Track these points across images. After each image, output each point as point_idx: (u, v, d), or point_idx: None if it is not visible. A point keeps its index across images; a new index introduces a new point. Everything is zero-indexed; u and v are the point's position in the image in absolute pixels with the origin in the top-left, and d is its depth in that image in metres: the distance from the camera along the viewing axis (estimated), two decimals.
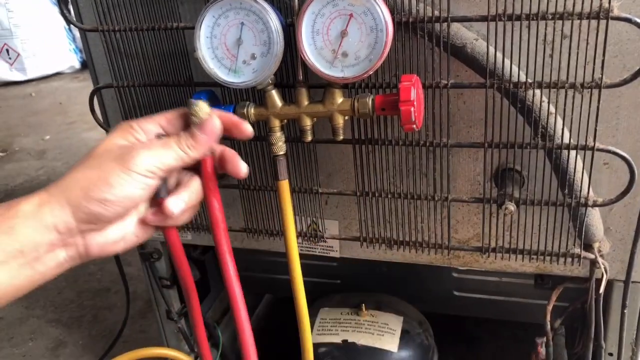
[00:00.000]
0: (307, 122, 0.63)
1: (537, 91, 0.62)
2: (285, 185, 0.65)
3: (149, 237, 0.55)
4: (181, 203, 0.54)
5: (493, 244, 0.73)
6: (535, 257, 0.71)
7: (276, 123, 0.63)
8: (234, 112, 0.63)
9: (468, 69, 0.65)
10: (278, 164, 0.64)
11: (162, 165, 0.50)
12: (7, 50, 3.73)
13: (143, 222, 0.54)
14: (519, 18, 0.58)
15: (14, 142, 2.95)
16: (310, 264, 0.93)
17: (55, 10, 3.82)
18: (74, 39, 3.90)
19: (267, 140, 0.64)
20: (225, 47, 0.60)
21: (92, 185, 0.48)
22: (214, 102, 0.65)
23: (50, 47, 3.80)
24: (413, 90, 0.55)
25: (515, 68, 0.62)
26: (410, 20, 0.61)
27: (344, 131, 0.63)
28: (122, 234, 0.52)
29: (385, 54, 0.56)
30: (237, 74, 0.60)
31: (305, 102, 0.62)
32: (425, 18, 0.61)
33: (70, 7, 0.75)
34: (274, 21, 0.57)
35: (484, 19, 0.59)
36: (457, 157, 0.71)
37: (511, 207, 0.67)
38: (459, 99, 0.68)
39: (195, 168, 0.56)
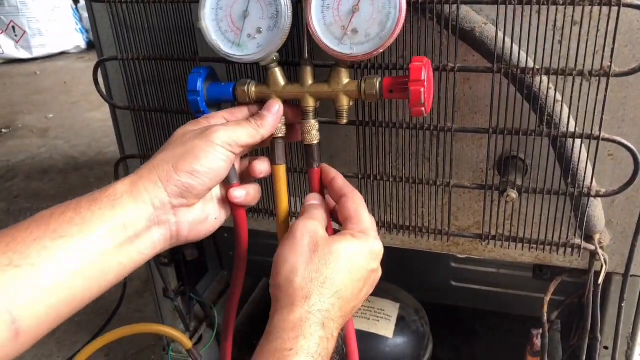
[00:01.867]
0: (310, 103, 0.60)
1: (545, 78, 0.61)
2: (281, 171, 0.63)
3: (225, 219, 0.62)
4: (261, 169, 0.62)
5: (493, 232, 0.72)
6: (535, 246, 0.71)
7: (279, 101, 0.61)
8: (234, 89, 0.62)
9: (475, 54, 0.64)
10: (275, 147, 0.62)
11: (238, 139, 0.56)
12: (14, 28, 3.72)
13: (220, 202, 0.61)
14: (529, 2, 0.58)
15: (17, 119, 2.95)
16: None
17: None
18: (80, 19, 3.88)
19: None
20: (230, 19, 0.59)
21: (181, 159, 0.53)
22: (213, 79, 0.64)
23: (57, 26, 3.79)
24: (424, 71, 0.54)
25: (523, 54, 0.61)
26: (420, 0, 0.60)
27: (349, 114, 0.61)
28: (205, 214, 0.58)
29: (397, 32, 0.55)
30: (241, 48, 0.59)
31: (310, 82, 0.60)
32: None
33: None
34: None
35: (494, 1, 0.59)
36: (461, 143, 0.70)
37: (513, 194, 0.67)
38: (465, 84, 0.67)
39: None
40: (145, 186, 0.52)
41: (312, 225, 0.56)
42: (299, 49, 0.66)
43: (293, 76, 0.65)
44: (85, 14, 3.04)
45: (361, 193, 0.73)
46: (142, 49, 0.74)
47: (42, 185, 2.28)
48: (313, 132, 0.61)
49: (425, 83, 0.54)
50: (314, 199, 0.62)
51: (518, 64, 0.61)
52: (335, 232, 0.59)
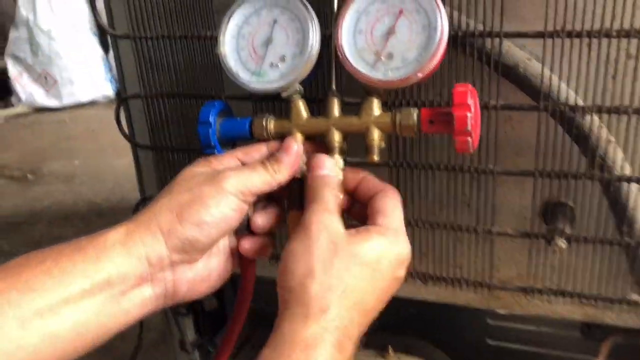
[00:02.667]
0: (336, 138, 0.54)
1: (595, 117, 0.57)
2: (299, 219, 0.53)
3: (228, 276, 0.55)
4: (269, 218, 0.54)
5: (539, 285, 0.66)
6: (585, 301, 0.64)
7: (299, 138, 0.56)
8: (251, 124, 0.57)
9: (517, 93, 0.60)
10: (292, 190, 0.55)
11: (252, 186, 0.50)
12: (46, 77, 3.81)
13: (227, 255, 0.53)
14: (579, 35, 0.54)
15: (44, 165, 2.98)
16: None
17: (95, 40, 3.91)
18: (110, 69, 3.97)
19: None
20: (252, 47, 0.55)
21: (186, 207, 0.47)
22: (228, 115, 0.61)
23: (87, 75, 3.88)
24: (469, 95, 0.49)
25: (571, 91, 0.57)
26: (459, 34, 0.57)
27: (380, 151, 0.56)
28: (208, 270, 0.51)
29: (439, 55, 0.50)
30: (262, 77, 0.55)
31: (336, 114, 0.55)
32: (475, 32, 0.56)
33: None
34: (313, 20, 0.53)
35: (540, 35, 0.55)
36: (502, 188, 0.65)
37: (562, 244, 0.61)
38: (507, 123, 0.63)
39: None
40: (142, 237, 0.46)
41: (328, 219, 0.47)
42: (323, 85, 0.62)
43: (317, 113, 0.61)
44: (114, 63, 3.10)
45: None
46: (166, 87, 0.72)
47: (64, 231, 2.26)
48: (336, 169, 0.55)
49: (472, 108, 0.49)
50: (324, 167, 0.52)
51: (567, 102, 0.57)
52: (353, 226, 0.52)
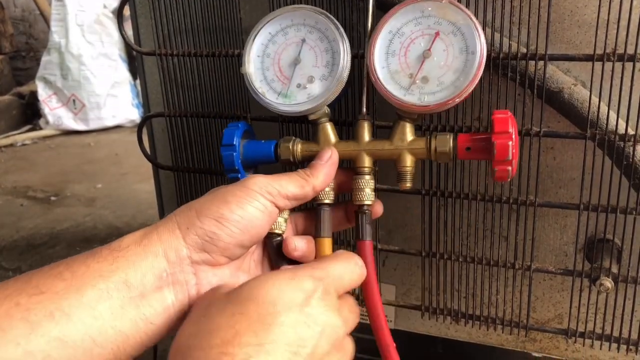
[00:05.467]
0: (367, 163, 0.51)
1: None
2: (326, 245, 0.50)
3: None
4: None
5: (581, 328, 0.61)
6: (633, 348, 0.59)
7: (334, 149, 0.52)
8: (277, 147, 0.54)
9: (560, 120, 0.56)
10: (320, 215, 0.51)
11: (281, 187, 0.46)
12: (74, 101, 3.86)
13: (262, 268, 0.50)
14: (631, 59, 0.50)
15: (66, 187, 2.98)
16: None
17: (124, 66, 3.97)
18: (137, 95, 4.02)
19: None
20: (278, 67, 0.53)
21: (207, 204, 0.44)
22: (251, 137, 0.58)
23: (115, 100, 3.92)
24: (510, 123, 0.46)
25: (621, 120, 0.53)
26: (501, 56, 0.54)
27: (413, 178, 0.52)
28: (237, 280, 0.46)
29: (477, 80, 0.47)
30: (288, 98, 0.52)
31: (367, 139, 0.52)
32: (518, 55, 0.53)
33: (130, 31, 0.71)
34: (344, 40, 0.51)
35: (589, 58, 0.51)
36: (542, 222, 0.61)
37: (608, 283, 0.56)
38: (548, 153, 0.59)
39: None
40: (159, 235, 0.42)
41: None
42: (352, 106, 0.59)
43: (346, 136, 0.58)
44: (140, 88, 3.14)
45: (424, 274, 0.65)
46: (191, 106, 0.69)
47: None
48: (366, 190, 0.51)
49: (513, 136, 0.45)
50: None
51: (616, 131, 0.53)
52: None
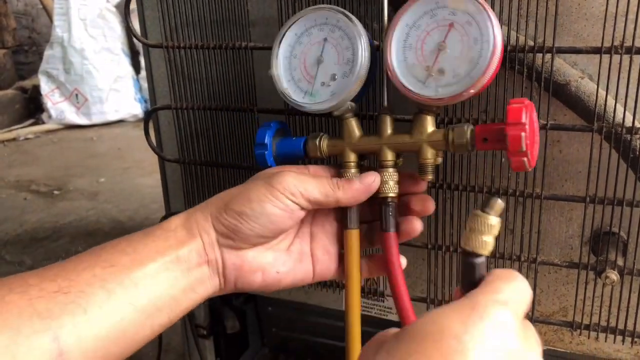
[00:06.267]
0: (389, 157, 0.52)
1: None
2: (354, 237, 0.53)
3: (294, 281, 0.53)
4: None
5: (586, 321, 0.61)
6: (638, 340, 0.59)
7: (352, 157, 0.54)
8: (305, 143, 0.55)
9: (567, 113, 0.57)
10: (349, 209, 0.53)
11: (305, 191, 0.49)
12: (77, 95, 3.86)
13: (298, 259, 0.53)
14: (639, 51, 0.50)
15: (69, 182, 2.99)
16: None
17: (127, 61, 3.96)
18: (140, 89, 4.02)
19: (339, 175, 0.54)
20: (304, 67, 0.53)
21: (234, 198, 0.49)
22: (284, 135, 0.58)
23: (118, 95, 3.92)
24: (525, 113, 0.45)
25: (628, 113, 0.53)
26: (509, 49, 0.54)
27: (434, 170, 0.52)
28: (260, 264, 0.51)
29: (492, 70, 0.47)
30: (314, 97, 0.53)
31: (389, 132, 0.53)
32: (526, 48, 0.53)
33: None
34: (362, 37, 0.51)
35: (596, 51, 0.51)
36: (547, 215, 0.61)
37: (614, 276, 0.56)
38: (555, 146, 0.59)
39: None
40: (197, 220, 0.49)
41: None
42: (375, 101, 0.60)
43: (370, 130, 0.58)
44: (145, 85, 3.14)
45: (429, 267, 0.65)
46: (197, 99, 0.69)
47: (86, 248, 2.24)
48: (390, 182, 0.52)
49: (527, 127, 0.45)
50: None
51: (622, 124, 0.53)
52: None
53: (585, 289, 0.60)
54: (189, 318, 0.89)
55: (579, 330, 0.61)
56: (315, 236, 0.55)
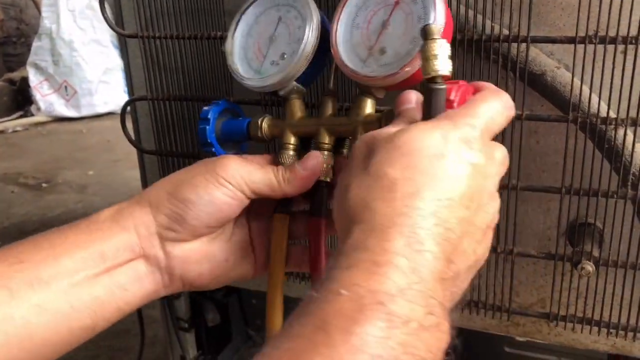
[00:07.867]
0: (326, 139, 0.50)
1: (629, 131, 0.52)
2: (283, 220, 0.51)
3: (240, 273, 0.51)
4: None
5: (562, 312, 0.61)
6: (613, 332, 0.59)
7: (291, 139, 0.51)
8: (249, 124, 0.54)
9: (544, 104, 0.56)
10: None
11: (250, 181, 0.47)
12: (66, 87, 3.84)
13: (242, 250, 0.51)
14: (613, 41, 0.50)
15: (58, 174, 2.98)
16: None
17: (116, 52, 3.94)
18: None
19: (278, 161, 0.51)
20: (257, 46, 0.53)
21: (176, 185, 0.46)
22: (234, 115, 0.57)
23: (107, 87, 3.90)
24: (454, 93, 0.41)
25: (602, 103, 0.53)
26: (483, 38, 0.53)
27: None
28: (207, 256, 0.48)
29: None
30: (260, 74, 0.52)
31: (329, 114, 0.51)
32: (500, 37, 0.53)
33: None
34: (313, 16, 0.50)
35: (571, 40, 0.51)
36: (525, 206, 0.61)
37: (589, 267, 0.56)
38: (532, 137, 0.59)
39: None
40: (131, 211, 0.45)
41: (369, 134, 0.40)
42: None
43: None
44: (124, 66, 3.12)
45: None
46: (174, 89, 0.69)
47: None
48: (326, 166, 0.50)
49: (455, 105, 0.40)
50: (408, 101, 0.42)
51: (598, 114, 0.52)
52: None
53: (562, 280, 0.60)
54: (170, 311, 0.89)
55: (555, 322, 0.61)
56: (252, 224, 0.52)
